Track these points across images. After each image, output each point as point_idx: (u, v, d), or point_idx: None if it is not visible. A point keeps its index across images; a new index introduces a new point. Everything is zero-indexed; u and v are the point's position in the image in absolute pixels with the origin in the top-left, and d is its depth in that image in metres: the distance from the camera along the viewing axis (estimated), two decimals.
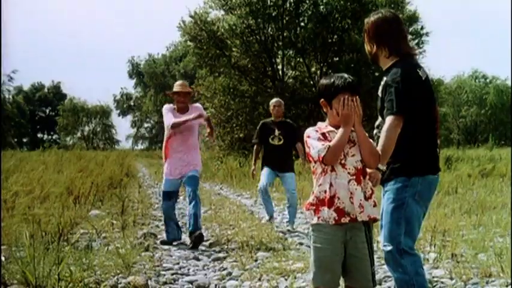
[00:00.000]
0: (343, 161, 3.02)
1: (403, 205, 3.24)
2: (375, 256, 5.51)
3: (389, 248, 3.25)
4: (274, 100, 8.10)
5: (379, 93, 3.35)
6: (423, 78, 3.29)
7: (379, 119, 3.39)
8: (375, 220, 3.09)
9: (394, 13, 3.51)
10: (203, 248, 6.35)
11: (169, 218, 6.58)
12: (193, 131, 6.57)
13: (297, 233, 7.25)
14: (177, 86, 6.68)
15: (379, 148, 3.12)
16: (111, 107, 61.44)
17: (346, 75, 3.08)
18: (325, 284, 3.04)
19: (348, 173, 3.00)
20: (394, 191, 3.25)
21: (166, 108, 6.60)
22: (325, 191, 3.00)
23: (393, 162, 3.23)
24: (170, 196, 6.61)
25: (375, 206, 3.03)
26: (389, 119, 3.17)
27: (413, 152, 3.21)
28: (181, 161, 6.51)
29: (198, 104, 6.87)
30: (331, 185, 3.00)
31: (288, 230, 7.42)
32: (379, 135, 3.34)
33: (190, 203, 6.40)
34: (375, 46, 3.39)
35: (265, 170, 7.77)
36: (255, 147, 8.14)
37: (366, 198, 3.00)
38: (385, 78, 3.31)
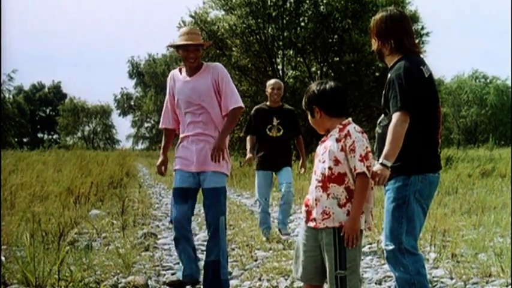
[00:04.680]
0: (315, 168, 3.07)
1: (404, 204, 3.24)
2: (375, 256, 5.56)
3: (391, 247, 3.25)
4: (272, 81, 6.48)
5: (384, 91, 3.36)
6: (426, 75, 3.28)
7: (382, 115, 3.39)
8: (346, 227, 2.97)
9: (401, 11, 3.53)
10: (203, 247, 6.34)
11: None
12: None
13: (297, 233, 7.24)
14: (184, 35, 4.29)
15: (386, 145, 3.11)
16: (111, 106, 61.55)
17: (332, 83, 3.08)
18: (296, 275, 3.16)
19: (316, 179, 3.03)
20: (395, 190, 3.25)
21: (169, 78, 4.53)
22: None
23: (394, 161, 3.23)
24: None
25: (348, 214, 2.95)
26: (395, 115, 3.16)
27: (413, 151, 3.20)
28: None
29: (217, 64, 4.48)
30: (310, 189, 3.09)
31: (282, 231, 6.63)
32: (379, 132, 3.34)
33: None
34: (379, 43, 3.39)
35: (260, 178, 6.51)
36: (248, 138, 6.52)
37: (340, 206, 2.97)
38: (389, 75, 3.32)
